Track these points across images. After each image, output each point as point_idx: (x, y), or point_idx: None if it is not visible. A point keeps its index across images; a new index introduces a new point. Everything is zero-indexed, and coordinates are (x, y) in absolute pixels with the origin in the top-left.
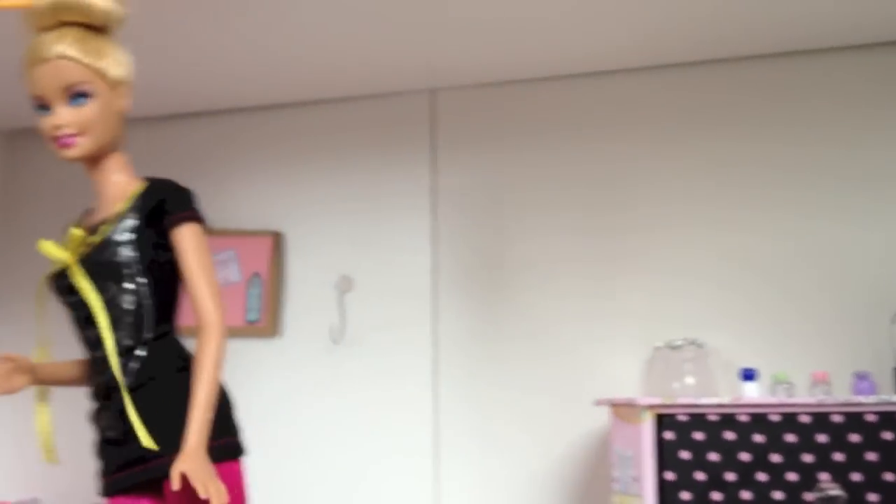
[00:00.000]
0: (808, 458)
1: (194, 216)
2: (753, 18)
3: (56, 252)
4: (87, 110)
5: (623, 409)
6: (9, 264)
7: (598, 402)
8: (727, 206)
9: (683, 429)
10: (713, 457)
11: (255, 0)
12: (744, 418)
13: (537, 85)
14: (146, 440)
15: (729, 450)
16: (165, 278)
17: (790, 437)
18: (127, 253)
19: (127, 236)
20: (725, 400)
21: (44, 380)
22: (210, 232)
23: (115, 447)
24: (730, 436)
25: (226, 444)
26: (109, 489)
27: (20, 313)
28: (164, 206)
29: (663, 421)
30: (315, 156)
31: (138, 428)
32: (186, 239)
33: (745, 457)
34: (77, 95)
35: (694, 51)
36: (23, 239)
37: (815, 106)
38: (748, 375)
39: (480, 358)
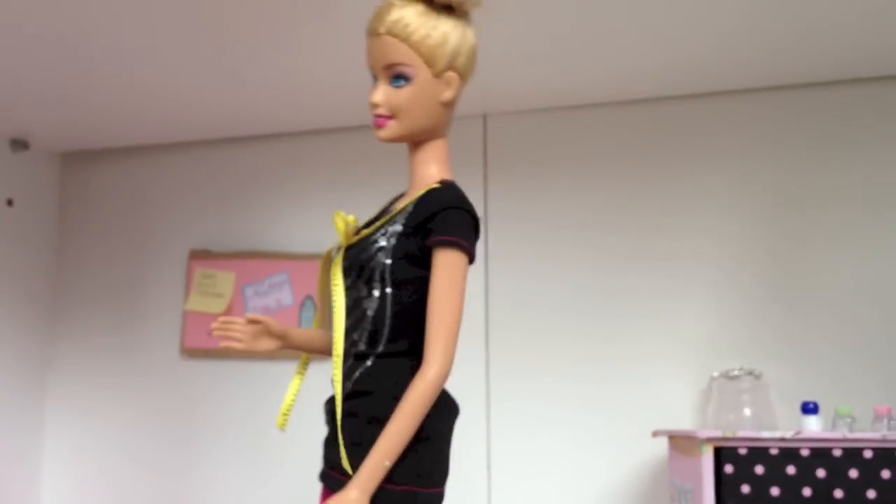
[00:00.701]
0: (871, 493)
1: (457, 243)
2: (827, 43)
3: (339, 231)
4: (403, 94)
5: (682, 441)
6: (67, 282)
7: (656, 434)
8: (787, 236)
9: (744, 462)
10: (774, 491)
11: (319, 26)
12: (805, 452)
13: (590, 111)
14: (343, 457)
15: (791, 484)
16: (414, 295)
17: (853, 473)
18: (382, 258)
19: (388, 242)
20: (787, 434)
21: (297, 346)
22: (264, 255)
23: (326, 443)
24: (791, 470)
25: (404, 494)
26: (321, 479)
27: (83, 329)
28: (430, 223)
29: (723, 454)
30: (369, 180)
31: (339, 439)
32: (440, 266)
33: (807, 492)
34: (397, 77)
35: (747, 78)
36: (80, 259)
37: (876, 131)
38: (810, 409)
39: (534, 383)
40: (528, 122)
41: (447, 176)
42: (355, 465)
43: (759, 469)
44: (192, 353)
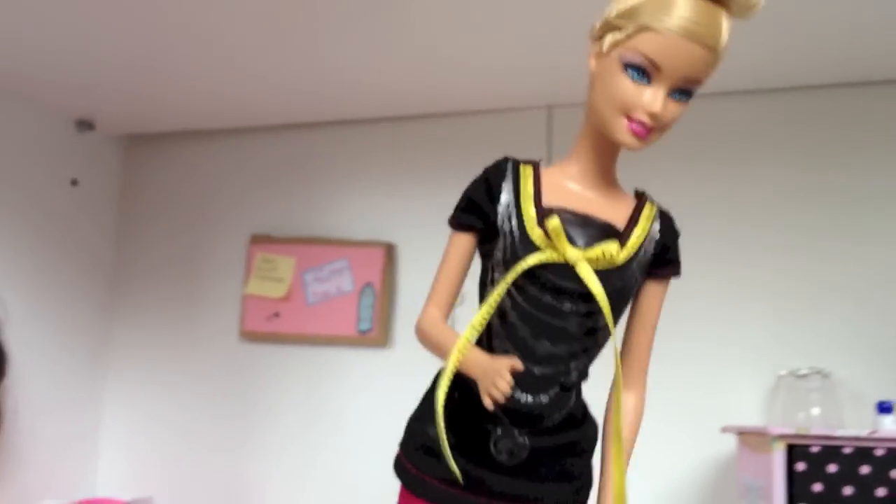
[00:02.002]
0: None
1: (678, 270)
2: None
3: (559, 245)
4: (679, 110)
5: (752, 438)
6: (128, 264)
7: (725, 430)
8: (854, 234)
9: (816, 461)
10: (848, 491)
11: (379, 15)
12: (880, 452)
13: None
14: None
15: (864, 484)
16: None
17: None
18: (632, 289)
19: (639, 271)
20: (862, 433)
21: None
22: (324, 241)
23: (497, 472)
24: (865, 470)
25: None
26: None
27: (143, 311)
28: (668, 254)
29: (795, 451)
30: (430, 169)
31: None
32: (663, 295)
33: (881, 492)
34: (687, 92)
35: (813, 74)
36: (141, 241)
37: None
38: (885, 408)
39: (596, 378)
40: None
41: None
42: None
43: (832, 468)
44: (251, 336)
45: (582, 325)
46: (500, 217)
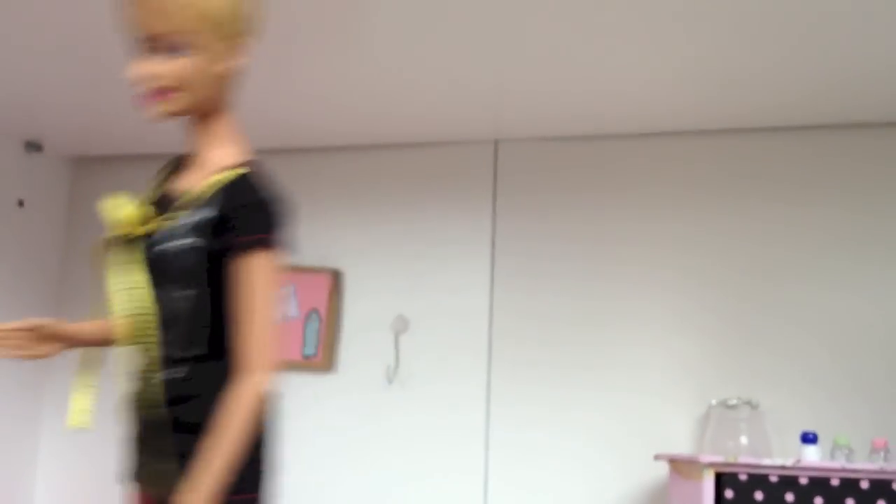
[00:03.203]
0: None
1: (265, 242)
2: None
3: (123, 218)
4: (177, 66)
5: (683, 465)
6: (72, 284)
7: (658, 457)
8: (786, 271)
9: (744, 488)
10: None
11: (333, 46)
12: (804, 481)
13: (596, 142)
14: (169, 466)
15: None
16: (224, 294)
17: (850, 502)
18: (187, 256)
19: (197, 233)
20: (788, 462)
21: (83, 342)
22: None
23: (141, 447)
24: (790, 497)
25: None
26: (135, 481)
27: None
28: (232, 221)
29: (723, 479)
30: (378, 198)
31: (163, 445)
32: (242, 270)
33: None
34: (173, 49)
35: (749, 118)
36: (86, 261)
37: (868, 176)
38: (809, 438)
39: (533, 405)
40: (538, 149)
41: (242, 155)
42: (179, 475)
43: (759, 495)
44: None
45: (157, 297)
46: None
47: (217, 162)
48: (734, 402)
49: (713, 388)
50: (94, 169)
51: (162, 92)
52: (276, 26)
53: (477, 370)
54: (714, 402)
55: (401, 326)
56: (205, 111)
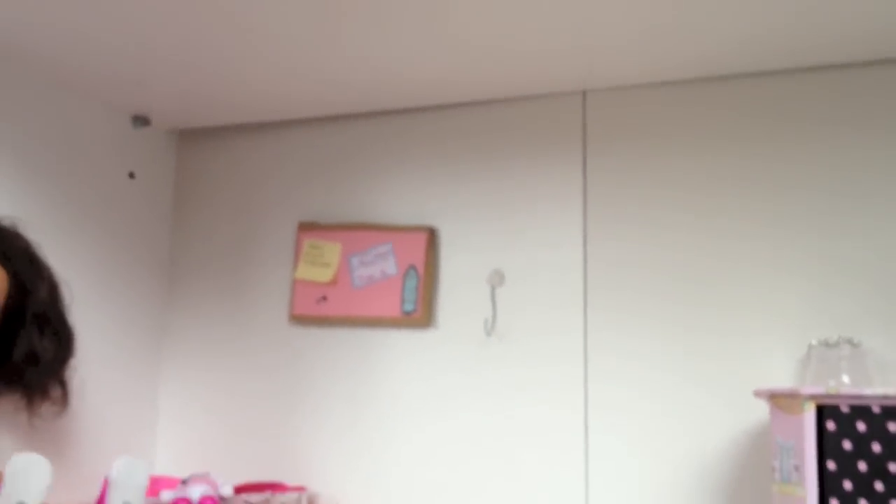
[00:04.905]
0: None
1: None
2: None
3: None
4: None
5: (783, 400)
6: (183, 253)
7: (757, 393)
8: (882, 206)
9: (846, 420)
10: (876, 448)
11: (413, 6)
12: None
13: (686, 86)
14: None
15: (892, 441)
16: None
17: None
18: None
19: None
20: (891, 392)
21: None
22: (369, 227)
23: None
24: (893, 427)
25: None
26: None
27: (197, 297)
28: None
29: (825, 411)
30: (469, 155)
31: None
32: None
33: None
34: None
35: (855, 52)
36: (195, 231)
37: None
38: None
39: (631, 351)
40: (630, 97)
41: None
42: None
43: (861, 426)
44: (300, 319)
45: None
46: None
47: None
48: (835, 339)
49: (814, 328)
50: (199, 140)
51: None
52: None
53: (574, 321)
54: (814, 342)
55: (497, 280)
56: None
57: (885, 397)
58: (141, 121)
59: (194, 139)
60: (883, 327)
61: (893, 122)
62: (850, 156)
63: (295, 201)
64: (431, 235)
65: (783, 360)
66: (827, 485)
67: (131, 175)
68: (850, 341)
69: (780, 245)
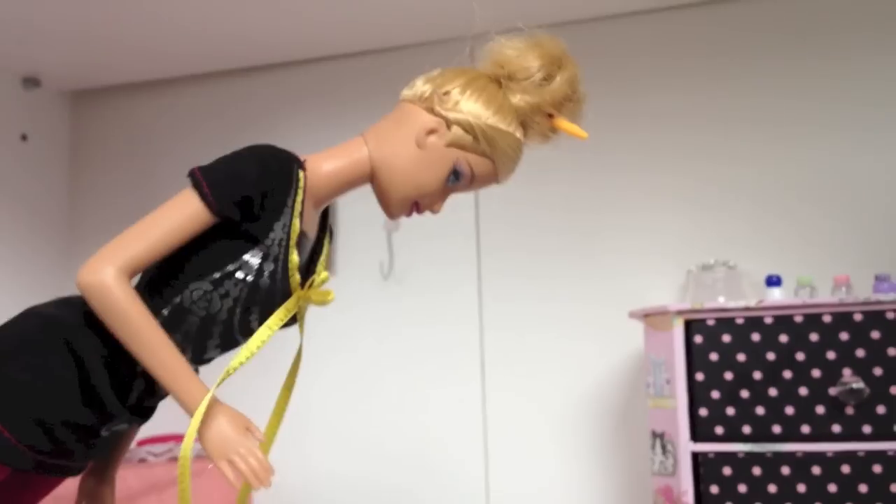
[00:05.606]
0: (831, 355)
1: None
2: None
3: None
4: None
5: (655, 318)
6: (81, 216)
7: (632, 314)
8: (753, 134)
9: (712, 332)
10: (741, 357)
11: None
12: (769, 320)
13: (575, 27)
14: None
15: (755, 350)
16: None
17: (813, 336)
18: None
19: None
20: (751, 303)
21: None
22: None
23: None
24: (756, 337)
25: None
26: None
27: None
28: None
29: (693, 326)
30: (361, 106)
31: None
32: None
33: (770, 356)
34: None
35: None
36: (92, 193)
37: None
38: (773, 281)
39: (522, 280)
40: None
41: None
42: None
43: (727, 338)
44: None
45: None
46: (269, 239)
47: None
48: (711, 262)
49: (694, 256)
50: (93, 101)
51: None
52: None
53: (467, 255)
54: (693, 267)
55: (392, 226)
56: None
57: (748, 308)
58: (31, 82)
59: (89, 100)
60: (757, 249)
61: (756, 51)
62: (727, 86)
63: (196, 160)
64: None
65: (665, 285)
66: (696, 395)
67: (23, 137)
68: (725, 263)
69: (660, 175)
